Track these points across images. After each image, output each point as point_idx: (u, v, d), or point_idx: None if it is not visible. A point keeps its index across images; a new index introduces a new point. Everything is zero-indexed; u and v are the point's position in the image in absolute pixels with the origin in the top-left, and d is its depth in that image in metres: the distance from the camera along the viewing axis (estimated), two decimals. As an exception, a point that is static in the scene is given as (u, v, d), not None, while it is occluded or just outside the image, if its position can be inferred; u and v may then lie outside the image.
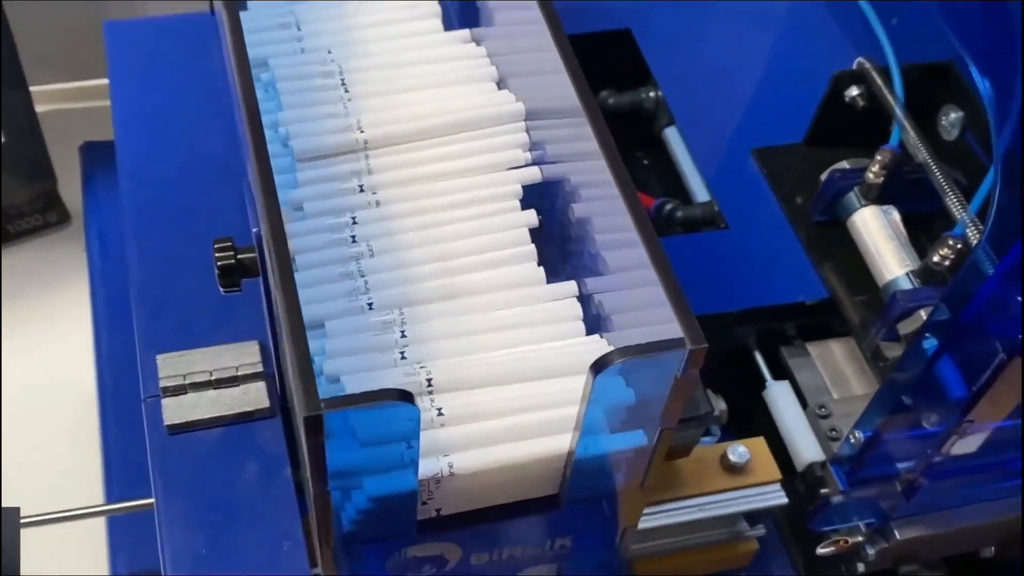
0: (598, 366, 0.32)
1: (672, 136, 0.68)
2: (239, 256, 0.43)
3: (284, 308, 0.32)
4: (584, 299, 0.41)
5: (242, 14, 0.48)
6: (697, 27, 0.69)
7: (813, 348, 0.58)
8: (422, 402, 0.37)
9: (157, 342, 0.51)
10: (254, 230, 0.41)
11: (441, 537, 0.38)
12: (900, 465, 0.48)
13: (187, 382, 0.49)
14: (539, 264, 0.42)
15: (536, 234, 0.43)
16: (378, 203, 0.43)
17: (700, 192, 0.63)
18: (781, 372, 0.58)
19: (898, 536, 0.50)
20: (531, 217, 0.43)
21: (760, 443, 0.53)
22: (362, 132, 0.44)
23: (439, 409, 0.37)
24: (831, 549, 0.53)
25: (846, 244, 0.57)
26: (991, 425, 0.44)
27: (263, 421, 0.49)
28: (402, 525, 0.37)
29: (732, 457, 0.52)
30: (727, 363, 0.56)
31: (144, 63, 0.64)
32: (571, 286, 0.41)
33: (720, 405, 0.54)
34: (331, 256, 0.41)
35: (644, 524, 0.51)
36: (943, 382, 0.44)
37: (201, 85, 0.61)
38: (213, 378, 0.49)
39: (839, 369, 0.57)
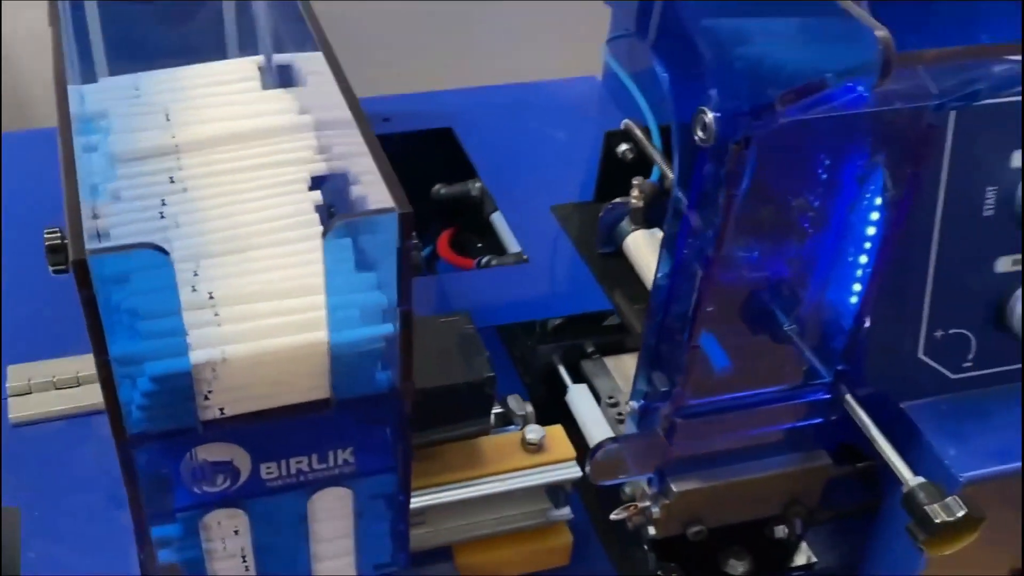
0: (326, 230, 0.40)
1: (497, 219, 0.77)
2: (64, 240, 0.50)
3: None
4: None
5: (91, 85, 0.58)
6: (506, 120, 0.81)
7: (609, 360, 0.66)
8: (204, 314, 0.44)
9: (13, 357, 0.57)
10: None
11: (225, 435, 0.44)
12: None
13: (31, 384, 0.55)
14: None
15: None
16: (185, 190, 0.51)
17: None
18: (582, 381, 0.65)
19: (675, 489, 0.56)
20: (316, 196, 0.51)
21: (557, 428, 0.59)
22: (174, 137, 0.53)
23: (216, 312, 0.43)
24: (624, 514, 0.58)
25: (625, 268, 0.66)
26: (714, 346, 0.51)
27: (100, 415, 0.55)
28: (185, 417, 0.43)
29: (529, 435, 0.58)
30: (539, 381, 0.64)
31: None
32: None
33: (527, 408, 0.61)
34: (140, 229, 0.49)
35: (451, 498, 0.57)
36: (670, 318, 0.52)
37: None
38: (55, 380, 0.55)
39: (629, 374, 0.64)
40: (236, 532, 0.48)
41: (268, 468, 0.46)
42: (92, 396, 0.55)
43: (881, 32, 0.36)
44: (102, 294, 0.38)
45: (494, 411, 0.59)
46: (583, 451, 0.58)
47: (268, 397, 0.45)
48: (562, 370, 0.65)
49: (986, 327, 0.56)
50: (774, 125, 0.43)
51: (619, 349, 0.66)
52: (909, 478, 0.52)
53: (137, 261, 0.39)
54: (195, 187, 0.51)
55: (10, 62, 0.89)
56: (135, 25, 0.66)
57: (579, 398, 0.63)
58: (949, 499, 0.50)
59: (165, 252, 0.38)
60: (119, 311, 0.40)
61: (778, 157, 0.46)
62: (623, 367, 0.65)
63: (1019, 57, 0.40)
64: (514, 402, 0.61)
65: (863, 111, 0.45)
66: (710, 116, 0.45)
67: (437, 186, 0.80)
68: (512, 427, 0.60)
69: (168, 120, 0.56)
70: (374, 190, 0.45)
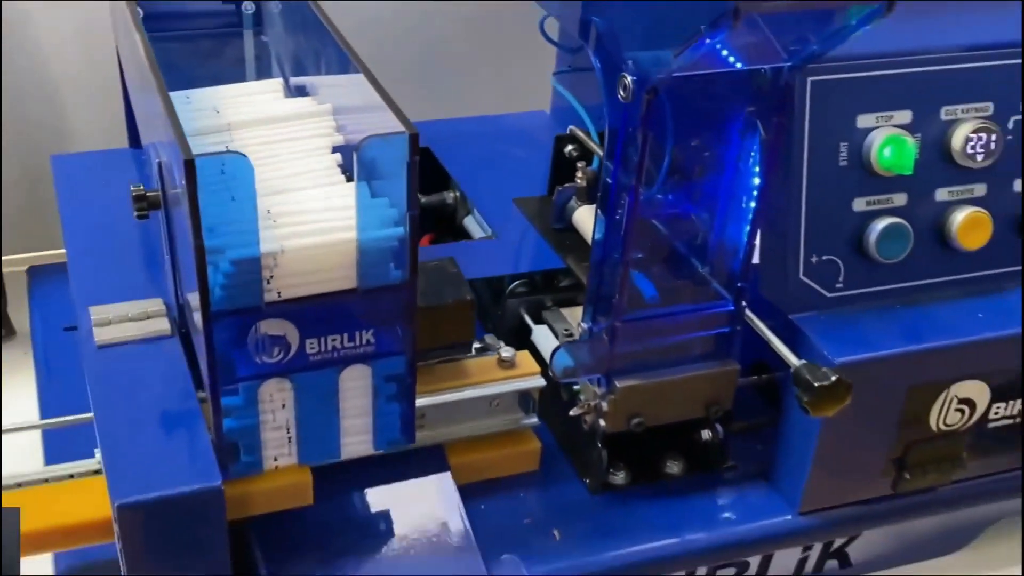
0: (359, 146, 0.56)
1: (469, 222, 0.94)
2: (145, 192, 0.66)
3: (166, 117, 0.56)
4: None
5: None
6: (473, 143, 0.98)
7: (565, 311, 0.82)
8: (266, 223, 0.60)
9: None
10: (156, 161, 0.65)
11: (282, 313, 0.59)
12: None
13: (112, 317, 0.70)
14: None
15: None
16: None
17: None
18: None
19: (618, 385, 0.71)
20: (337, 157, 0.68)
21: (525, 353, 0.75)
22: (225, 120, 0.69)
23: (274, 220, 0.59)
24: (580, 411, 0.73)
25: (576, 239, 0.83)
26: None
27: (168, 339, 0.70)
28: (253, 297, 0.58)
29: (504, 354, 0.74)
30: (508, 332, 0.80)
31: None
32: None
33: (501, 343, 0.76)
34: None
35: (444, 399, 0.72)
36: (607, 263, 0.68)
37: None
38: (129, 316, 0.71)
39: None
40: (283, 406, 0.63)
41: (311, 343, 0.61)
42: (159, 326, 0.70)
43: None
44: (204, 199, 0.54)
45: (475, 345, 0.75)
46: (549, 379, 0.74)
47: (313, 284, 0.60)
48: (527, 318, 0.81)
49: (850, 255, 0.73)
50: (672, 75, 0.60)
51: (573, 303, 0.82)
52: (794, 361, 0.68)
53: (230, 166, 0.55)
54: (246, 152, 0.67)
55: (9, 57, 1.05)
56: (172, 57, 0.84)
57: (541, 335, 0.79)
58: (824, 369, 0.66)
59: (247, 157, 0.55)
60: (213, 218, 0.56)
61: (679, 108, 0.64)
62: (576, 314, 0.80)
63: (847, 6, 0.58)
64: (490, 338, 0.77)
65: (735, 70, 0.63)
66: (628, 78, 0.63)
67: (423, 199, 0.96)
68: (490, 353, 0.76)
69: (218, 113, 0.72)
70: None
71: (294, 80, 0.81)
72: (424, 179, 0.96)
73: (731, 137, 0.67)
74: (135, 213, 0.67)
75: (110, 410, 0.64)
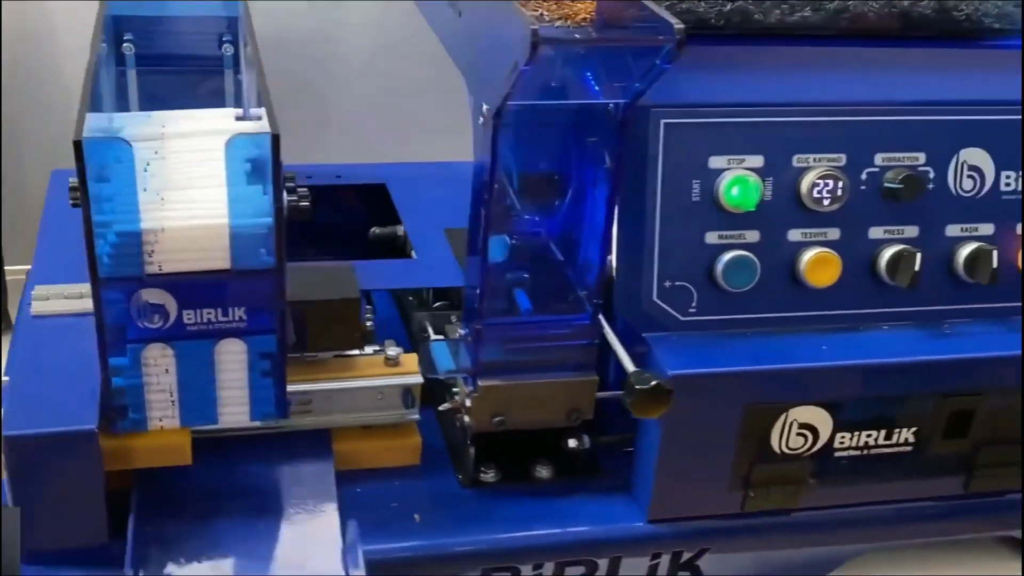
0: (228, 142, 0.67)
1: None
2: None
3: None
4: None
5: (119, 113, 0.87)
6: (425, 183, 1.08)
7: (465, 325, 0.90)
8: (154, 202, 0.70)
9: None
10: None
11: (161, 284, 0.70)
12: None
13: (50, 294, 0.82)
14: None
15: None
16: (157, 153, 0.78)
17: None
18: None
19: (481, 384, 0.79)
20: (245, 166, 0.78)
21: (411, 355, 0.84)
22: (163, 128, 0.81)
23: (162, 198, 0.70)
24: (448, 405, 0.82)
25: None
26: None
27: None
28: (136, 268, 0.69)
29: (389, 352, 0.83)
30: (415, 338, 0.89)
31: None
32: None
33: (398, 349, 0.85)
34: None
35: (330, 387, 0.81)
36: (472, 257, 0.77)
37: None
38: (64, 295, 0.82)
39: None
40: (167, 371, 0.73)
41: (188, 315, 0.71)
42: (89, 304, 0.81)
43: (533, 27, 0.63)
44: (90, 176, 0.65)
45: (374, 347, 0.84)
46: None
47: (191, 262, 0.70)
48: (429, 328, 0.90)
49: (703, 283, 0.80)
50: (509, 102, 0.69)
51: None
52: (629, 366, 0.75)
53: (113, 151, 0.66)
54: (167, 154, 0.79)
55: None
56: (158, 88, 0.96)
57: (436, 342, 0.88)
58: (648, 375, 0.73)
59: (129, 144, 0.66)
60: (100, 195, 0.67)
61: (524, 135, 0.73)
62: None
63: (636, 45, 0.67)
64: (389, 346, 0.86)
65: (567, 103, 0.72)
66: (485, 107, 0.72)
67: (373, 228, 1.07)
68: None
69: (163, 127, 0.84)
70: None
71: (253, 110, 0.93)
72: (379, 213, 1.07)
73: (581, 165, 0.75)
74: (70, 202, 0.78)
75: (23, 365, 0.75)
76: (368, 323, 0.86)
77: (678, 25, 0.65)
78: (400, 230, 1.05)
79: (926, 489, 0.86)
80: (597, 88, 0.70)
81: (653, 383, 0.73)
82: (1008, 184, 0.83)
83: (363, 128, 1.28)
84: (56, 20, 1.25)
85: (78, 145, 0.65)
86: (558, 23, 0.67)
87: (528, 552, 0.80)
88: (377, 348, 0.85)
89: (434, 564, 0.79)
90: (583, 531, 0.81)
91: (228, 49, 1.02)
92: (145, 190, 0.70)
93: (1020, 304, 0.84)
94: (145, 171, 0.75)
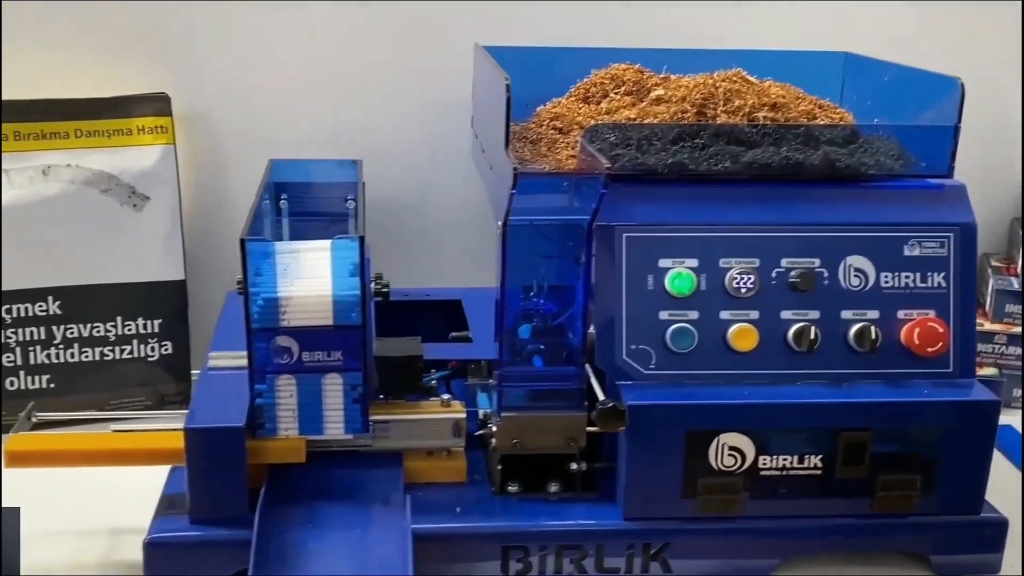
0: (332, 243, 1.07)
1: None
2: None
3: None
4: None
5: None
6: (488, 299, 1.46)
7: (503, 388, 1.26)
8: (287, 278, 1.10)
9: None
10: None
11: (288, 333, 1.09)
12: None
13: (222, 357, 1.22)
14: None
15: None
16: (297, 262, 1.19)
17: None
18: (486, 395, 1.26)
19: (503, 416, 1.14)
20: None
21: (459, 401, 1.20)
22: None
23: (292, 280, 1.10)
24: (482, 431, 1.17)
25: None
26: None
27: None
28: (274, 322, 1.08)
29: (444, 397, 1.20)
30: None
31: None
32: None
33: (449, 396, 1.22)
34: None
35: (401, 417, 1.17)
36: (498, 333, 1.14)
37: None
38: (232, 357, 1.23)
39: (510, 390, 1.25)
40: (291, 395, 1.12)
41: (306, 355, 1.10)
42: (242, 362, 1.21)
43: (515, 165, 1.02)
44: (250, 265, 1.06)
45: (444, 396, 1.21)
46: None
47: (308, 319, 1.09)
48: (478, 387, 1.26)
49: (659, 347, 1.14)
50: (508, 218, 1.07)
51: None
52: (600, 396, 1.10)
53: (263, 248, 1.06)
54: (299, 260, 1.19)
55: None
56: (302, 231, 1.39)
57: (481, 394, 1.24)
58: (609, 400, 1.08)
59: (273, 243, 1.06)
60: (254, 275, 1.08)
61: (523, 244, 1.10)
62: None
63: (588, 176, 1.05)
64: (447, 395, 1.22)
65: (554, 219, 1.09)
66: (498, 224, 1.10)
67: (452, 332, 1.45)
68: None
69: (299, 247, 1.25)
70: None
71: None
72: (456, 322, 1.45)
73: (564, 264, 1.12)
74: (236, 289, 1.19)
75: (204, 395, 1.15)
76: (433, 382, 1.23)
77: (606, 164, 1.03)
78: (469, 334, 1.43)
79: (841, 507, 1.15)
80: (570, 207, 1.09)
81: (611, 404, 1.07)
82: (887, 282, 1.16)
83: (446, 258, 1.68)
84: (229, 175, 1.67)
85: (243, 242, 1.06)
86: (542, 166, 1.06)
87: (536, 536, 1.12)
88: (446, 397, 1.22)
89: (468, 540, 1.12)
90: (575, 523, 1.13)
91: (351, 204, 1.45)
92: (283, 276, 1.11)
93: (896, 369, 1.14)
94: (285, 268, 1.16)
